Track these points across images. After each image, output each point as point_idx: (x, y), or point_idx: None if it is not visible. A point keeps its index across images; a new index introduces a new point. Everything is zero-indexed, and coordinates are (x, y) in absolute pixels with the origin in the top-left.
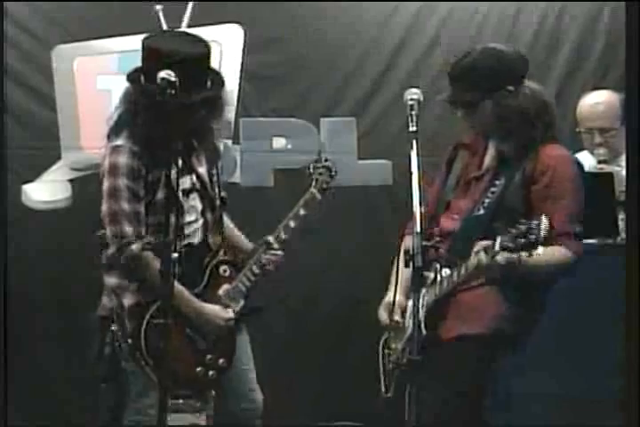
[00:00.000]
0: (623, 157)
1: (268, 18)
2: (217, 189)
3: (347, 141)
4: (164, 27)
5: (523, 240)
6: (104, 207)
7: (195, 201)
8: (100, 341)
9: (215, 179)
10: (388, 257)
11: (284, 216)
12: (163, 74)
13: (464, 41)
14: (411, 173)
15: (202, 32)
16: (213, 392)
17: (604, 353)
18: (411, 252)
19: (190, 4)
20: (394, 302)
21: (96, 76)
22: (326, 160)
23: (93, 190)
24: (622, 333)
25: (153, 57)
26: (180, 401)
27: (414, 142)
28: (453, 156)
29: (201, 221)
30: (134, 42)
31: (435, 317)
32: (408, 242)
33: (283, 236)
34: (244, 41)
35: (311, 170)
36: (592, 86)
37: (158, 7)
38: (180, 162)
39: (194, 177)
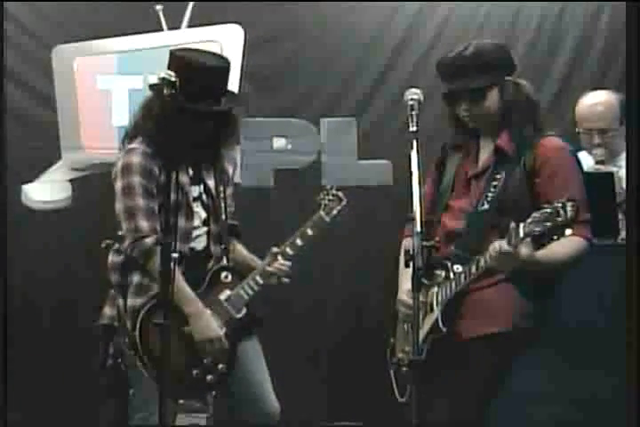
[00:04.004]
0: (621, 157)
1: (267, 18)
2: (224, 205)
3: (347, 141)
4: (164, 27)
5: (549, 224)
6: (118, 205)
7: (199, 208)
8: (104, 352)
9: (222, 195)
10: (387, 257)
11: (284, 217)
12: (163, 74)
13: (464, 41)
14: (411, 173)
15: (202, 32)
16: (213, 392)
17: (602, 354)
18: (411, 252)
19: (190, 4)
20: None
21: (96, 76)
22: (338, 190)
23: (93, 190)
24: (622, 333)
25: (177, 66)
26: (180, 401)
27: (414, 142)
28: (443, 157)
29: (204, 229)
30: (134, 42)
31: (452, 315)
32: (408, 242)
33: (290, 252)
34: (244, 41)
35: (321, 196)
36: (592, 86)
37: (158, 7)
38: (190, 170)
39: (202, 187)
